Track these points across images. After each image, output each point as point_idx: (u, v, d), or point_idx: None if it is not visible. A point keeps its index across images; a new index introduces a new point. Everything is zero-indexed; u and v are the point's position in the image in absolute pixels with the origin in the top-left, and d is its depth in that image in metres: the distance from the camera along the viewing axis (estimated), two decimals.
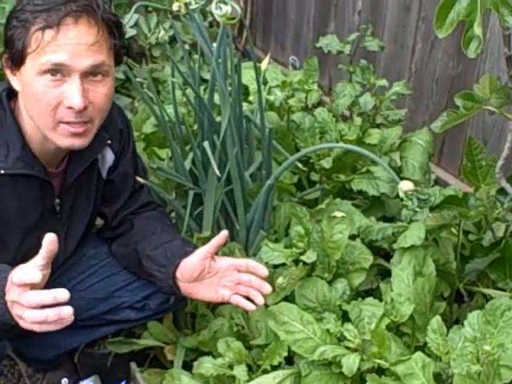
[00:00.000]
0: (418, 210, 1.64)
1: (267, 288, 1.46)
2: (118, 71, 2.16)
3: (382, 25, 2.53)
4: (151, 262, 1.58)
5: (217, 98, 1.81)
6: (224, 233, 1.51)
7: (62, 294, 1.16)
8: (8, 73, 1.37)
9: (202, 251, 1.50)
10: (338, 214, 1.59)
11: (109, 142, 1.56)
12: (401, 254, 1.63)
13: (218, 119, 1.82)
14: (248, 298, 1.48)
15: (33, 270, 1.18)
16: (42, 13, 1.27)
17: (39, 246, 1.47)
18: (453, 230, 1.80)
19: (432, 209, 1.69)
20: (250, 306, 1.47)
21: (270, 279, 1.68)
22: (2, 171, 1.37)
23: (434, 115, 2.40)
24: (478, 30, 1.14)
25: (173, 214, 1.94)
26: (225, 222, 1.87)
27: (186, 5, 1.56)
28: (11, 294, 1.20)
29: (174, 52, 2.53)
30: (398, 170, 1.97)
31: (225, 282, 1.50)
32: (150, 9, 2.70)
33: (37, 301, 1.16)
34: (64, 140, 1.36)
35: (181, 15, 1.74)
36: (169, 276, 1.53)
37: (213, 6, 1.52)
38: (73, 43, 1.28)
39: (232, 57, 1.72)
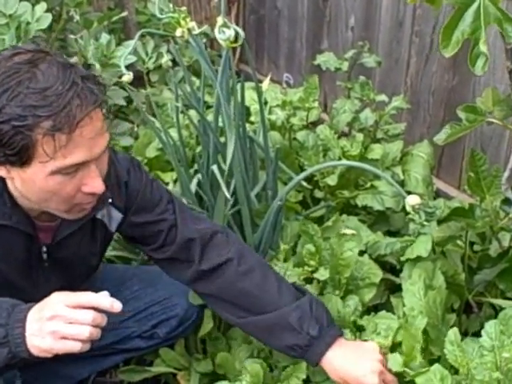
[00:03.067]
0: (425, 223, 1.66)
1: None
2: (118, 97, 2.17)
3: (375, 40, 2.56)
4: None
5: (219, 119, 1.83)
6: None
7: (119, 305, 1.19)
8: (1, 170, 1.24)
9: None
10: (348, 231, 1.60)
11: (110, 200, 1.46)
12: (410, 267, 1.65)
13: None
14: None
15: (106, 297, 1.19)
16: (47, 116, 1.14)
17: (31, 288, 1.45)
18: (458, 242, 1.82)
19: (438, 221, 1.71)
20: None
21: None
22: None
23: (432, 127, 2.43)
24: (483, 47, 1.16)
25: None
26: None
27: (189, 30, 1.57)
28: (51, 311, 1.17)
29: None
30: (401, 184, 1.99)
31: None
32: (143, 33, 2.73)
33: (95, 319, 1.17)
34: (76, 215, 1.33)
35: (179, 40, 1.76)
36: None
37: (216, 31, 1.54)
38: (89, 139, 1.19)
39: (234, 79, 1.74)
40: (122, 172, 1.50)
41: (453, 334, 1.38)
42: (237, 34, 1.59)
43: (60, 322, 1.16)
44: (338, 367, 1.43)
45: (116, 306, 1.19)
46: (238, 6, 3.34)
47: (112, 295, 1.64)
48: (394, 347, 1.52)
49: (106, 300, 1.19)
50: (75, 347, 1.17)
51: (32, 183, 1.22)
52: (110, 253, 1.90)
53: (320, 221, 1.98)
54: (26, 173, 1.21)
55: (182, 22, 1.57)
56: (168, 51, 2.58)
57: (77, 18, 2.15)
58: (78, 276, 1.56)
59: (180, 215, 1.56)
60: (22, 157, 1.17)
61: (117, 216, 1.51)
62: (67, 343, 1.16)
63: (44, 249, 1.43)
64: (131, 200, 1.52)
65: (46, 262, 1.45)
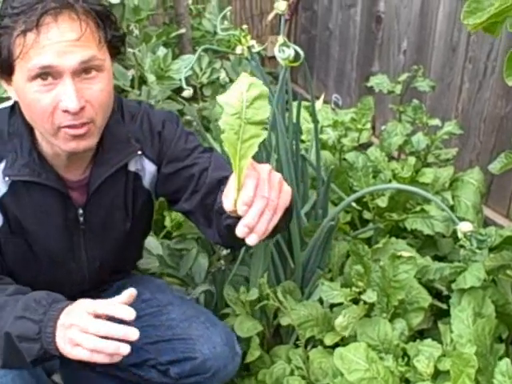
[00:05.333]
0: (476, 251, 1.65)
1: None
2: (172, 109, 2.19)
3: (428, 65, 2.56)
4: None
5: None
6: None
7: (135, 334, 1.16)
8: (3, 83, 1.29)
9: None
10: (405, 253, 1.59)
11: (139, 152, 1.46)
12: (459, 294, 1.63)
13: None
14: None
15: (123, 307, 1.18)
16: (20, 16, 1.20)
17: (66, 256, 1.46)
18: (508, 271, 1.80)
19: (489, 249, 1.69)
20: None
21: (328, 318, 1.69)
22: (7, 178, 1.33)
23: (482, 154, 2.41)
24: None
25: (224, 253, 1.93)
26: (279, 259, 1.87)
27: (249, 48, 1.60)
28: (72, 318, 1.18)
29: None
30: (451, 210, 1.97)
31: None
32: (197, 48, 2.77)
33: (107, 332, 1.15)
34: (67, 144, 1.28)
35: (232, 57, 1.78)
36: None
37: (276, 49, 1.56)
38: (55, 42, 1.20)
39: (290, 98, 1.75)
40: (157, 122, 1.50)
41: (505, 364, 1.37)
42: (296, 54, 1.61)
43: (75, 330, 1.17)
44: None
45: (132, 336, 1.16)
46: (290, 25, 3.38)
47: (152, 314, 1.61)
48: (437, 375, 1.51)
49: (120, 331, 1.16)
50: (88, 356, 1.15)
51: (21, 95, 1.25)
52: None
53: (367, 242, 1.98)
54: (14, 83, 1.25)
55: (243, 40, 1.60)
56: (222, 67, 2.61)
57: (136, 32, 2.19)
58: (114, 243, 1.53)
59: (214, 162, 1.50)
60: (7, 62, 1.22)
61: (150, 168, 1.50)
62: (80, 351, 1.16)
63: (80, 211, 1.42)
64: (164, 150, 1.50)
65: (83, 225, 1.44)
